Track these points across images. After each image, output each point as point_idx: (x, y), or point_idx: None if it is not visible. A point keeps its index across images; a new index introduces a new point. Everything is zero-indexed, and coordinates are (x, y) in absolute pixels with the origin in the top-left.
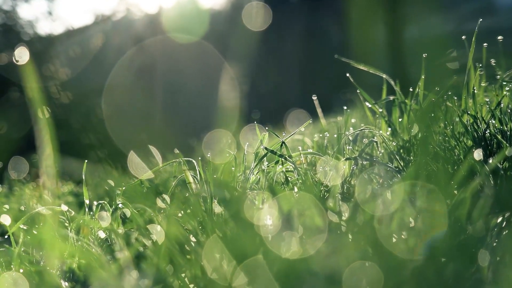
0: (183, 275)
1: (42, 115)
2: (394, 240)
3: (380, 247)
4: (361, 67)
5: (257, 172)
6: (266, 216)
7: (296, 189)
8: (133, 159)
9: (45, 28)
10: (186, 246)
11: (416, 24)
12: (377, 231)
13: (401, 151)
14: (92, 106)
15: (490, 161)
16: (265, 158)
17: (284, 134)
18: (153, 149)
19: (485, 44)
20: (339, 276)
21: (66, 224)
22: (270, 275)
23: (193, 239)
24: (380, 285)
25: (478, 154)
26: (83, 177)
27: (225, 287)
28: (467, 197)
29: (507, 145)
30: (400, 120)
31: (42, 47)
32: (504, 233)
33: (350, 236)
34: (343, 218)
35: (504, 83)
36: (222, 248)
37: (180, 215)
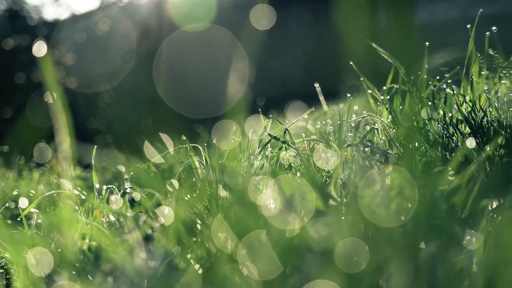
0: (188, 256)
1: (56, 100)
2: (388, 223)
3: (375, 228)
4: (384, 55)
5: (261, 158)
6: (269, 200)
7: (298, 174)
8: (146, 145)
9: (51, 13)
10: (192, 228)
11: (422, 10)
12: (372, 214)
13: (401, 138)
14: (98, 91)
15: (488, 148)
16: (269, 145)
17: (287, 121)
18: (163, 136)
19: (487, 32)
20: (333, 251)
21: (76, 208)
22: (271, 251)
23: (199, 221)
24: (373, 264)
25: (470, 143)
26: (92, 162)
27: (229, 265)
28: (463, 183)
29: (503, 133)
30: (401, 107)
31: (48, 32)
32: (497, 216)
33: (348, 218)
34: (342, 201)
35: (504, 71)
36: (227, 229)
37: (186, 199)
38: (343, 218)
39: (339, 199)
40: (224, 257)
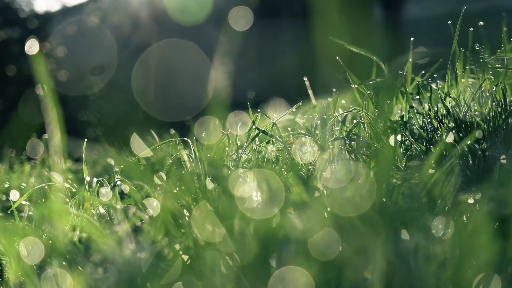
0: (176, 246)
1: (47, 94)
2: (364, 214)
3: (351, 219)
4: (353, 48)
5: (249, 152)
6: (254, 192)
7: (284, 167)
8: (133, 138)
9: (42, 5)
10: (180, 219)
11: (413, 5)
12: (351, 205)
13: (389, 131)
14: (89, 84)
15: (466, 141)
16: (257, 138)
17: (275, 115)
18: (152, 131)
19: (471, 28)
20: (309, 240)
21: (67, 200)
22: (253, 241)
23: (187, 213)
24: (346, 253)
25: (449, 137)
26: (83, 155)
27: (214, 254)
28: (442, 175)
29: (485, 127)
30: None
31: (39, 25)
32: (473, 209)
33: (328, 209)
34: (324, 193)
35: (488, 66)
36: (213, 220)
37: (175, 191)
38: (324, 209)
39: (323, 191)
40: (208, 246)
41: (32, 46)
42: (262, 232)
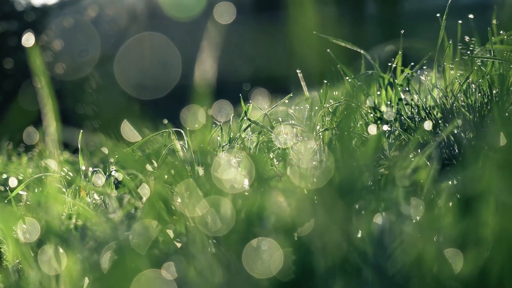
0: (169, 231)
1: (43, 86)
2: (348, 199)
3: (334, 204)
4: (340, 42)
5: (241, 142)
6: (242, 178)
7: (276, 157)
8: (126, 128)
9: None
10: (171, 205)
11: None
12: (334, 190)
13: (378, 122)
14: (86, 76)
15: (448, 129)
16: (249, 129)
17: (266, 106)
18: (143, 122)
19: (459, 21)
20: (289, 218)
21: (63, 189)
22: (239, 222)
23: (179, 200)
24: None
25: (428, 125)
26: (79, 146)
27: (204, 239)
28: (423, 163)
29: (471, 117)
30: (378, 93)
31: (36, 18)
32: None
33: (316, 195)
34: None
35: (476, 58)
36: (203, 205)
37: (167, 177)
38: (312, 195)
39: (307, 176)
40: (198, 230)
41: (28, 39)
42: (246, 211)
